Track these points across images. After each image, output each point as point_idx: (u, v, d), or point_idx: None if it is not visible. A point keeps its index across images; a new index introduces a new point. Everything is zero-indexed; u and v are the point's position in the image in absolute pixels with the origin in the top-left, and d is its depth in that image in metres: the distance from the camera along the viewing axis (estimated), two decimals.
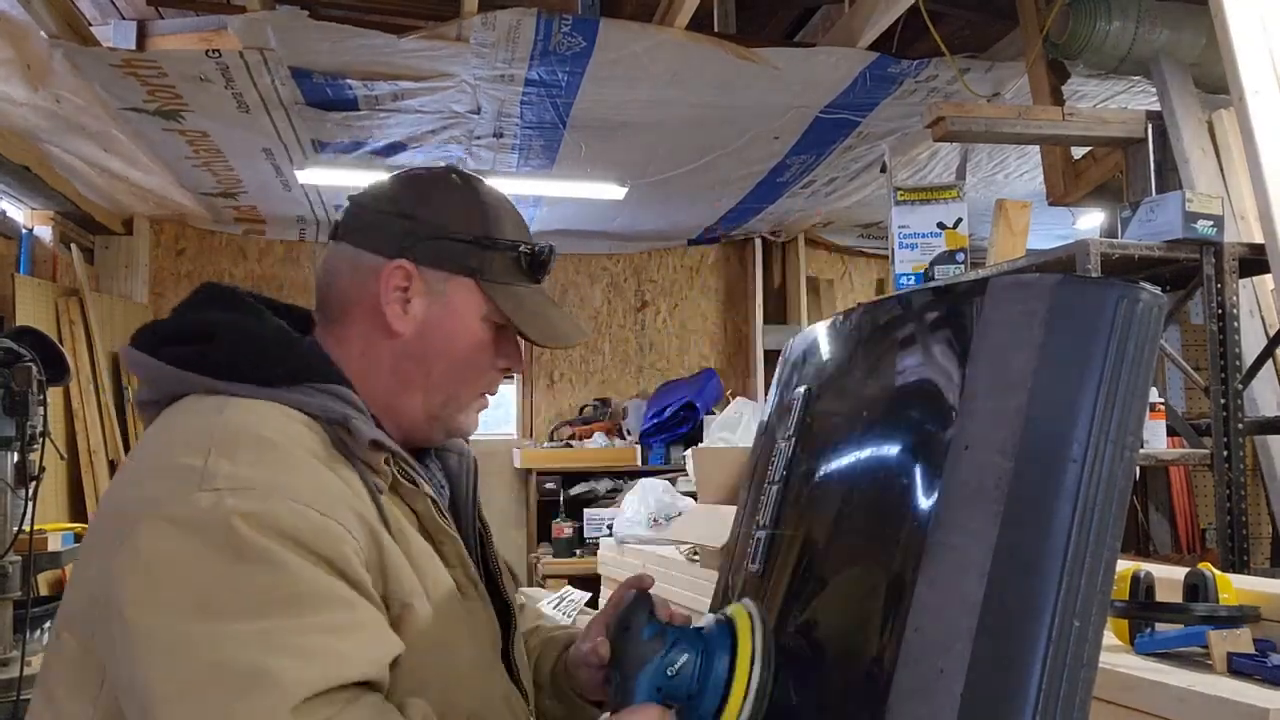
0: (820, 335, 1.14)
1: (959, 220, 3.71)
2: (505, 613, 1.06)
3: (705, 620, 1.00)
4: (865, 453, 0.95)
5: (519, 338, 1.05)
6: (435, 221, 0.99)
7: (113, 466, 4.50)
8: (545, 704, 1.15)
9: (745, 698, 0.90)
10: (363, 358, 0.99)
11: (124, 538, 0.79)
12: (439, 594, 0.93)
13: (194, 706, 0.72)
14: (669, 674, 0.92)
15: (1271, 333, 2.96)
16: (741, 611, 0.97)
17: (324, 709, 0.73)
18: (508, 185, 4.79)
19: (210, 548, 0.76)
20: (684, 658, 0.92)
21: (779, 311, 6.30)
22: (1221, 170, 3.18)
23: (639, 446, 5.73)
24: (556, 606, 3.24)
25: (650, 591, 0.97)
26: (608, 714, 0.93)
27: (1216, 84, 3.13)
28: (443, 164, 1.13)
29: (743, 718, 0.90)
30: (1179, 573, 1.43)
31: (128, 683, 0.76)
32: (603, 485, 5.66)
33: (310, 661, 0.73)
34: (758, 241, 6.22)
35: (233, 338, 0.91)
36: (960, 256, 3.65)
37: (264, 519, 0.77)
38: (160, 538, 0.77)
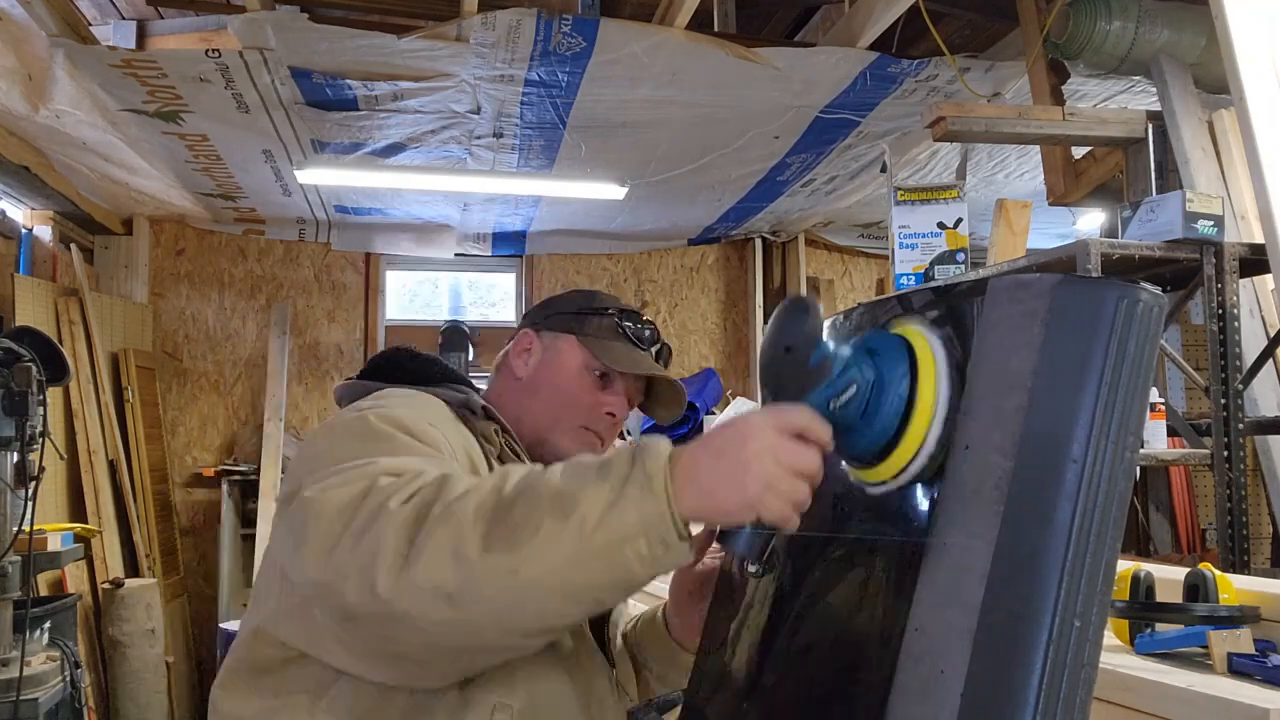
0: None
1: (959, 220, 3.71)
2: None
3: (868, 338, 0.88)
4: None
5: (623, 391, 1.36)
6: (556, 305, 1.40)
7: (112, 466, 4.50)
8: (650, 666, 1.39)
9: (927, 434, 0.80)
10: (498, 395, 1.35)
11: (313, 433, 1.22)
12: None
13: (326, 476, 0.97)
14: (830, 407, 0.82)
15: (1272, 333, 2.96)
16: (918, 334, 0.85)
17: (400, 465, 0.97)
18: (508, 185, 4.79)
19: (354, 425, 1.09)
20: (852, 389, 0.82)
21: None
22: (1222, 170, 3.18)
23: None
24: None
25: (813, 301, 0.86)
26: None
27: (1217, 84, 3.13)
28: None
29: (922, 455, 0.80)
30: (1179, 573, 1.43)
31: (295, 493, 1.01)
32: None
33: (397, 457, 1.00)
34: (758, 241, 6.21)
35: (396, 359, 1.33)
36: (960, 256, 3.65)
37: (388, 416, 1.08)
38: (330, 423, 1.14)
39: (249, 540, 5.13)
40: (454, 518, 0.85)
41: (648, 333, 1.39)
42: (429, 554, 0.84)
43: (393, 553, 0.85)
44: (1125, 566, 1.42)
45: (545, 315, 1.39)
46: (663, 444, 0.86)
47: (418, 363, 1.32)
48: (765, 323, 5.49)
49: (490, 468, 1.15)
